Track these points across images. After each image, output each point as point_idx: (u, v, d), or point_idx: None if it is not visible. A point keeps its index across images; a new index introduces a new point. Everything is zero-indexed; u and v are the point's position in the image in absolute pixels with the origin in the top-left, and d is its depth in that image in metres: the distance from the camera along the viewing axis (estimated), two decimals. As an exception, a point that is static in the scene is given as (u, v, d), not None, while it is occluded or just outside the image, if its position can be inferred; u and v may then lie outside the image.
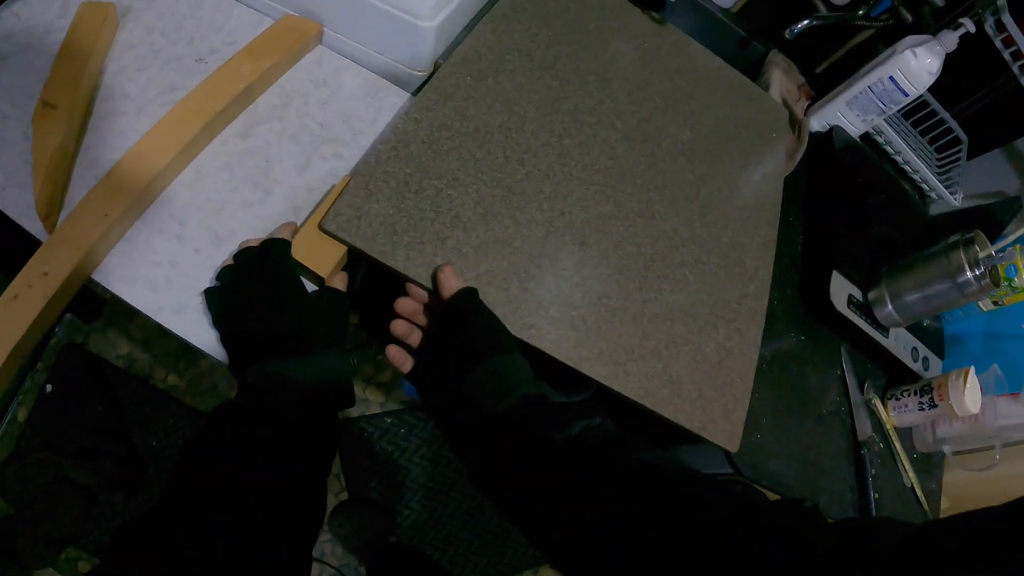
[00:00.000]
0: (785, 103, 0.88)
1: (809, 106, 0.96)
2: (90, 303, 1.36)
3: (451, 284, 0.54)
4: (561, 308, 0.61)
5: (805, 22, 0.82)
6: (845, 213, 0.87)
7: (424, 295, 0.57)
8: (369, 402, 1.47)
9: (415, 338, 0.57)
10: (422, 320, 0.57)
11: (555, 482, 0.43)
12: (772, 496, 0.70)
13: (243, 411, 0.47)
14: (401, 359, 0.56)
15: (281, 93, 0.65)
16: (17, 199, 0.56)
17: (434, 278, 0.55)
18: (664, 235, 0.69)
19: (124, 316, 1.39)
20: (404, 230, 0.57)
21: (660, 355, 0.63)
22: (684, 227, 0.71)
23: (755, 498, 0.39)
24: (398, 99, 0.68)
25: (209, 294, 0.54)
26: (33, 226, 0.56)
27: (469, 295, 0.54)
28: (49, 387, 1.32)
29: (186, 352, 1.41)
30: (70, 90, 0.60)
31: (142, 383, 1.36)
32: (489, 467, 0.48)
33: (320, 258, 0.55)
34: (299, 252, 0.55)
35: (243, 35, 0.67)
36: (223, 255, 0.56)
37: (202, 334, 0.54)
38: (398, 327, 0.56)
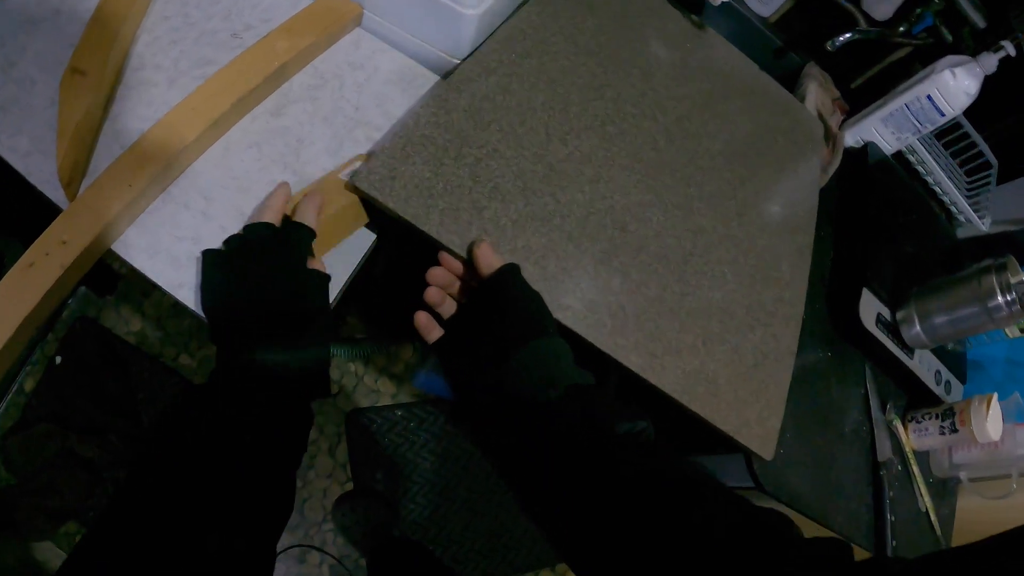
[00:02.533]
0: (820, 116, 0.86)
1: (844, 121, 0.93)
2: (105, 277, 1.34)
3: (490, 260, 0.52)
4: (599, 292, 0.59)
5: (848, 35, 0.80)
6: (876, 230, 0.85)
7: (457, 266, 0.54)
8: (381, 393, 1.45)
9: (446, 308, 0.54)
10: (454, 291, 0.55)
11: (603, 481, 0.41)
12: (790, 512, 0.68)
13: (220, 397, 0.45)
14: (429, 327, 0.53)
15: (316, 74, 0.63)
16: (41, 166, 0.55)
17: (470, 253, 0.53)
18: (703, 231, 0.67)
19: (139, 292, 1.38)
20: (440, 195, 0.55)
21: (697, 351, 0.61)
22: (722, 225, 0.69)
23: (789, 533, 0.37)
24: (435, 86, 0.66)
25: (208, 256, 0.51)
26: (55, 194, 0.54)
27: (513, 272, 0.52)
28: (59, 359, 1.30)
29: (199, 331, 1.39)
30: (100, 57, 0.58)
31: (153, 361, 1.35)
32: (528, 455, 0.46)
33: (324, 238, 0.53)
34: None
35: (280, 13, 0.65)
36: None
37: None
38: (432, 295, 0.53)
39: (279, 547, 0.46)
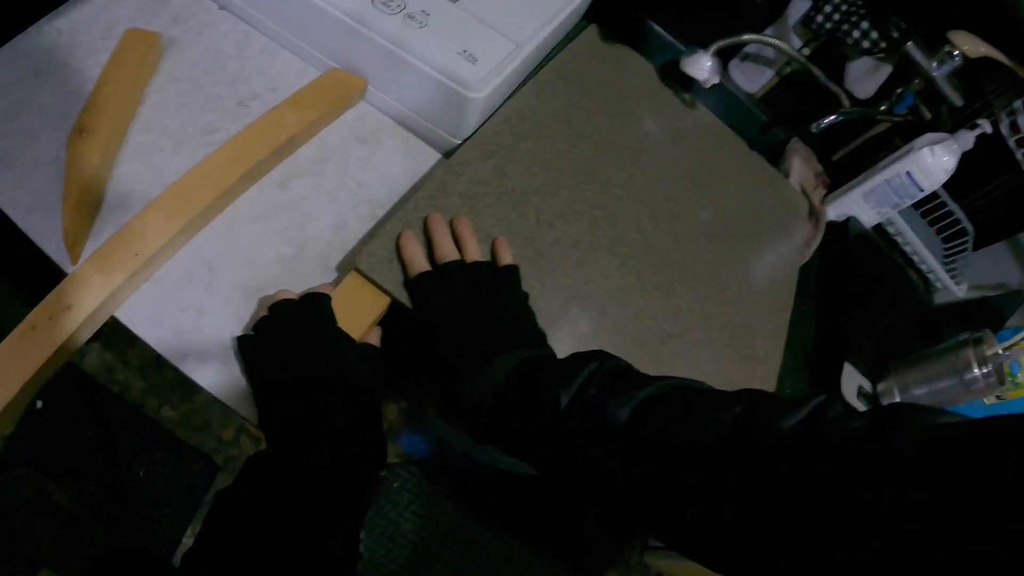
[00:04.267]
0: (803, 191, 0.90)
1: (826, 195, 0.98)
2: None
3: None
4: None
5: (832, 117, 0.84)
6: (856, 304, 0.88)
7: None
8: None
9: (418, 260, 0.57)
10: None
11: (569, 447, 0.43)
12: None
13: (275, 466, 0.46)
14: (417, 253, 0.56)
15: (322, 147, 0.65)
16: (43, 224, 0.56)
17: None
18: (681, 312, 0.70)
19: (123, 341, 1.38)
20: None
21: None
22: (699, 305, 0.72)
23: (766, 400, 0.39)
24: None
25: (243, 342, 0.53)
26: (58, 254, 0.55)
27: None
28: (40, 403, 1.29)
29: (181, 385, 1.39)
30: (109, 118, 0.60)
31: (135, 411, 1.34)
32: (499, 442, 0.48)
33: (354, 318, 0.55)
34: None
35: (287, 82, 0.67)
36: (253, 307, 0.56)
37: (228, 386, 0.54)
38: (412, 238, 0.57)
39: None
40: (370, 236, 0.60)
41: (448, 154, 0.68)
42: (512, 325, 0.53)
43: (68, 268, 0.55)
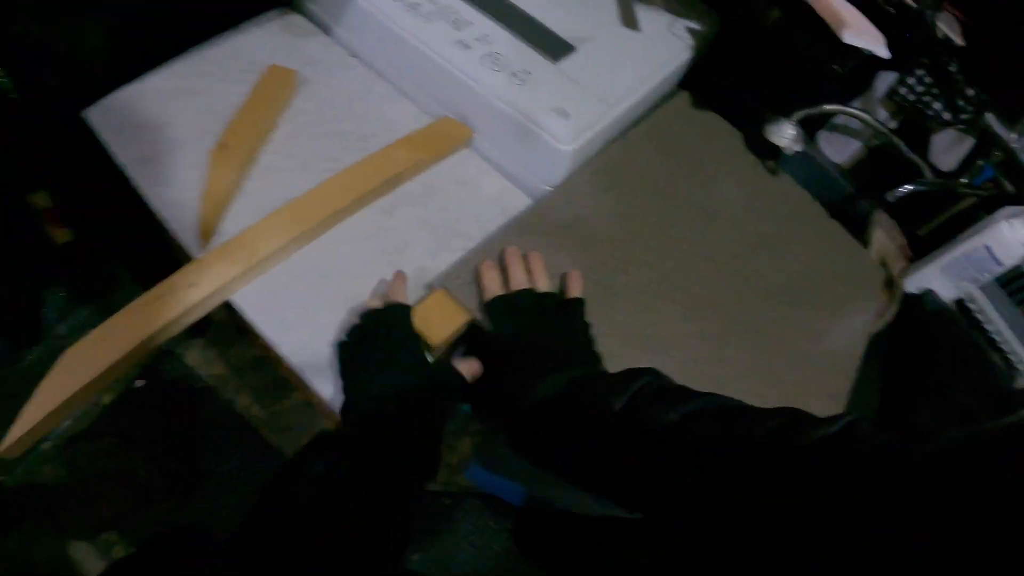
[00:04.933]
0: (883, 263, 0.92)
1: (906, 268, 0.99)
2: (200, 320, 1.48)
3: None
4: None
5: (908, 187, 0.87)
6: (926, 377, 0.89)
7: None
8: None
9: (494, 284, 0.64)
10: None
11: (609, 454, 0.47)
12: None
13: (341, 446, 0.53)
14: (494, 280, 0.63)
15: (427, 183, 0.74)
16: (179, 215, 0.67)
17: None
18: (735, 363, 0.73)
19: (226, 341, 1.51)
20: None
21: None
22: (755, 359, 0.74)
23: (803, 416, 0.41)
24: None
25: (340, 348, 0.61)
26: (190, 242, 0.66)
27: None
28: (140, 383, 1.43)
29: (274, 389, 1.50)
30: (247, 138, 0.71)
31: (226, 405, 1.46)
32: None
33: (436, 327, 0.62)
34: (417, 319, 0.62)
35: (402, 125, 0.77)
36: (351, 312, 0.64)
37: (317, 375, 0.62)
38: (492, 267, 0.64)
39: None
40: (459, 263, 0.67)
41: (538, 199, 0.76)
42: (570, 349, 0.59)
43: (196, 254, 0.65)
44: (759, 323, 0.77)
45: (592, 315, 0.67)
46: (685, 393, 0.49)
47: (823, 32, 0.74)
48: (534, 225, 0.70)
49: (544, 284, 0.65)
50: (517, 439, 0.55)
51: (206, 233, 0.66)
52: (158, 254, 0.96)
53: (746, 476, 0.39)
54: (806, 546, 0.34)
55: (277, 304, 0.64)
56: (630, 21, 0.85)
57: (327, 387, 0.61)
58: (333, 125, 0.77)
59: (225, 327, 1.50)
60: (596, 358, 0.61)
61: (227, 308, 1.28)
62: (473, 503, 1.47)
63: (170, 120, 0.72)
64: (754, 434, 0.41)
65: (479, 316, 0.63)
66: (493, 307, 0.62)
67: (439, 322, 0.63)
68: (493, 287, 0.63)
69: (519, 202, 0.76)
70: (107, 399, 1.43)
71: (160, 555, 0.47)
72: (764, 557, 0.37)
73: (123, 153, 0.69)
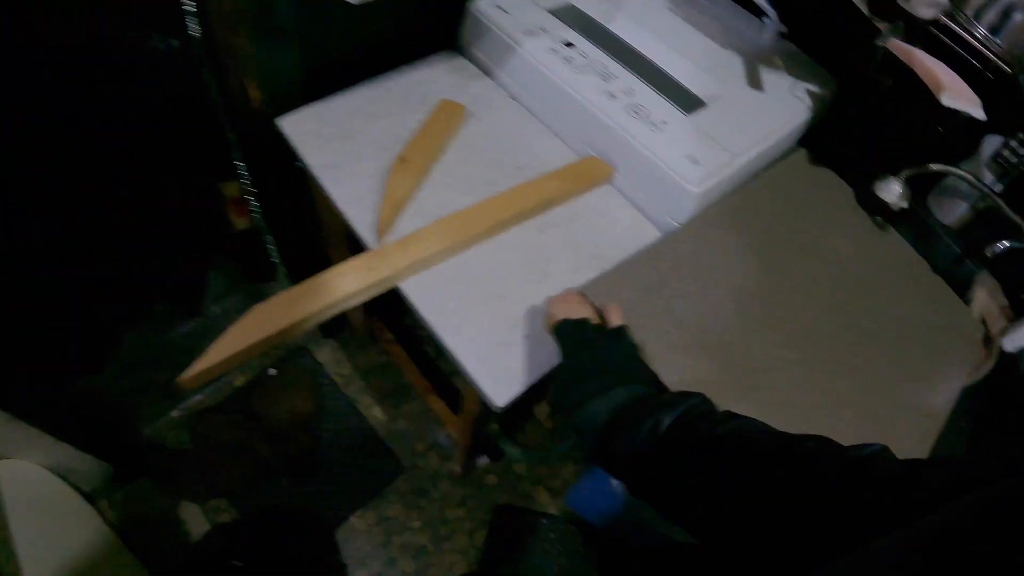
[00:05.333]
0: (984, 321, 0.98)
1: (1006, 327, 1.04)
2: (336, 322, 1.66)
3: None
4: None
5: (1006, 244, 0.92)
6: (1014, 434, 0.94)
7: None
8: (533, 499, 1.61)
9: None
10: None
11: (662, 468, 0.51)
12: None
13: None
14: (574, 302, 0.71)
15: (572, 210, 0.87)
16: (358, 214, 0.82)
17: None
18: (832, 393, 0.81)
19: (355, 345, 1.67)
20: (640, 315, 0.75)
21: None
22: (851, 392, 0.81)
23: (830, 449, 0.44)
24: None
25: (562, 328, 0.68)
26: (367, 235, 0.81)
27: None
28: (273, 372, 1.61)
29: (396, 393, 1.65)
30: (424, 155, 0.86)
31: (349, 404, 1.62)
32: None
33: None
34: None
35: (553, 160, 0.90)
36: (502, 309, 0.77)
37: (468, 357, 0.74)
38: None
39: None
40: (596, 280, 0.79)
41: (666, 232, 0.87)
42: (628, 366, 0.66)
43: (373, 246, 0.79)
44: (857, 360, 0.85)
45: (706, 333, 0.77)
46: (732, 414, 0.53)
47: (928, 96, 0.82)
48: (662, 255, 0.81)
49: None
50: (592, 458, 0.61)
51: (383, 229, 0.80)
52: (314, 254, 1.13)
53: (784, 485, 0.42)
54: (805, 546, 0.37)
55: (439, 295, 0.77)
56: (756, 82, 0.97)
57: (475, 368, 0.73)
58: (493, 154, 0.91)
59: (358, 333, 1.67)
60: (653, 374, 0.69)
61: (364, 313, 1.46)
62: (569, 529, 1.57)
63: (353, 135, 0.89)
64: (793, 450, 0.44)
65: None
66: (560, 327, 0.69)
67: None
68: (570, 311, 0.71)
69: (649, 233, 0.87)
70: (239, 381, 1.62)
71: (264, 529, 0.56)
72: (763, 557, 0.40)
73: (311, 157, 0.86)
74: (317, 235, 1.11)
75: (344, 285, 0.75)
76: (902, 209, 0.95)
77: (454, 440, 1.57)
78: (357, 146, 0.88)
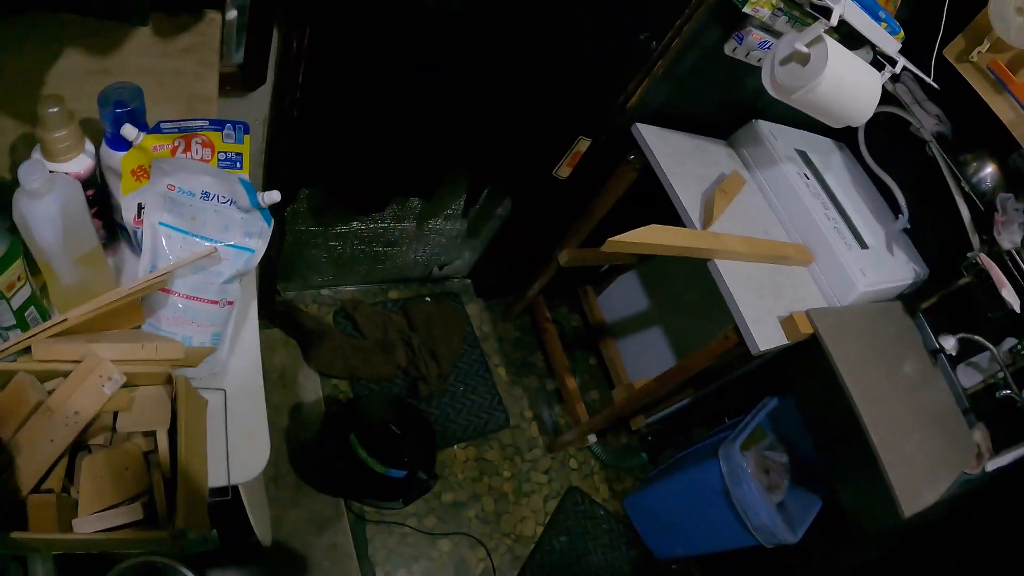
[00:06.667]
0: (979, 446, 1.54)
1: (990, 456, 1.61)
2: (487, 285, 2.11)
3: None
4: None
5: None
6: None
7: None
8: (598, 492, 2.01)
9: None
10: None
11: None
12: None
13: None
14: None
15: (787, 270, 1.40)
16: (688, 209, 1.34)
17: None
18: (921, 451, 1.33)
19: (501, 313, 2.14)
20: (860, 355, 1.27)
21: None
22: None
23: None
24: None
25: None
26: (695, 222, 1.32)
27: None
28: (429, 299, 2.01)
29: (522, 366, 2.09)
30: (727, 196, 1.38)
31: (482, 356, 2.03)
32: None
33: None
34: None
35: (776, 233, 1.45)
36: (757, 299, 1.28)
37: (747, 311, 1.25)
38: None
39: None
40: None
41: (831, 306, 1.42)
42: None
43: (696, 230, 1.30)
44: (915, 434, 1.39)
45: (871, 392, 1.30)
46: None
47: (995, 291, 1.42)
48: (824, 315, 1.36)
49: None
50: None
51: (706, 224, 1.32)
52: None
53: None
54: None
55: (732, 275, 1.28)
56: (890, 248, 1.57)
57: (751, 321, 1.24)
58: (752, 217, 1.44)
59: (512, 307, 2.11)
60: None
61: (539, 293, 1.95)
62: (619, 527, 1.97)
63: (683, 162, 1.42)
64: None
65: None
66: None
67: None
68: None
69: (822, 303, 1.42)
70: (394, 294, 2.00)
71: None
72: None
73: (660, 157, 1.38)
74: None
75: (697, 240, 1.26)
76: (949, 355, 1.53)
77: (557, 419, 2.00)
78: (684, 168, 1.41)
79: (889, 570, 1.66)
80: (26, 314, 0.74)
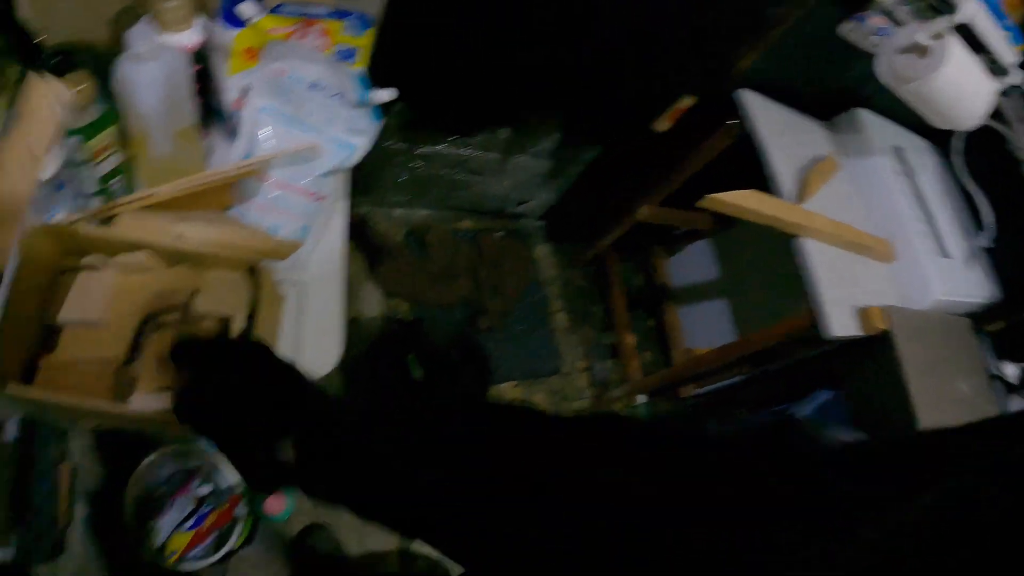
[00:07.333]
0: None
1: None
2: (559, 229, 2.16)
3: None
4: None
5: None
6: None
7: None
8: None
9: None
10: None
11: None
12: None
13: None
14: None
15: (860, 260, 1.41)
16: (781, 181, 1.35)
17: None
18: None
19: (568, 260, 2.19)
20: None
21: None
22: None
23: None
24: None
25: None
26: (789, 195, 1.36)
27: None
28: (500, 234, 2.07)
29: (583, 316, 2.14)
30: (819, 180, 1.39)
31: (544, 300, 2.10)
32: None
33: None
34: None
35: (862, 226, 1.45)
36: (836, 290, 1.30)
37: (826, 290, 1.28)
38: None
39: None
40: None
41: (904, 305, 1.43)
42: None
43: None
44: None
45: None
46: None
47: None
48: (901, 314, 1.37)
49: None
50: None
51: (801, 198, 1.35)
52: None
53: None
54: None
55: (819, 254, 1.31)
56: (970, 259, 1.54)
57: (828, 300, 1.27)
58: (837, 201, 1.44)
59: (582, 254, 2.14)
60: None
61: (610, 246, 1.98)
62: None
63: (783, 134, 1.44)
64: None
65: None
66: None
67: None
68: None
69: (895, 303, 1.42)
70: (466, 224, 2.05)
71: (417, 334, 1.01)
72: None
73: (760, 125, 1.39)
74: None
75: (791, 213, 1.29)
76: (1007, 383, 1.51)
77: (608, 374, 2.06)
78: (783, 142, 1.42)
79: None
80: (111, 183, 0.75)
